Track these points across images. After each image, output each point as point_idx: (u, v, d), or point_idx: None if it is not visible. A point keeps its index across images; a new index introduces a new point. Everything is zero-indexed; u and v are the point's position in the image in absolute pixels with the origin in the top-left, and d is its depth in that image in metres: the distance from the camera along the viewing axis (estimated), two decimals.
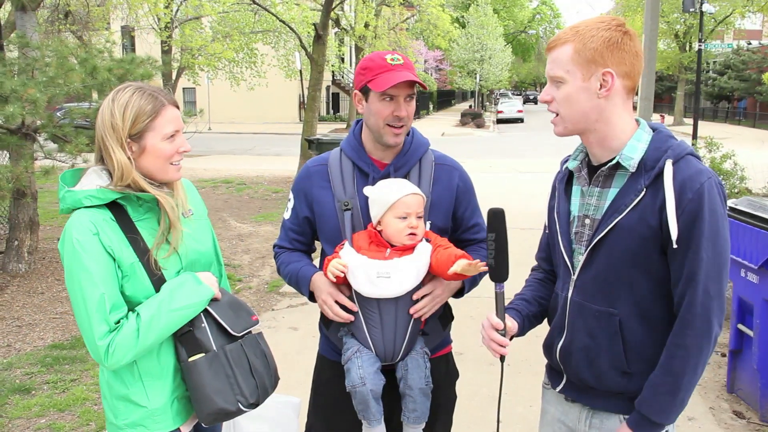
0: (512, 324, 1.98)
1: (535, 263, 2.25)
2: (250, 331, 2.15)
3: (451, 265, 2.07)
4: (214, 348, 2.03)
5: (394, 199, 2.15)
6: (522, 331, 2.06)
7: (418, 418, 2.24)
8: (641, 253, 1.78)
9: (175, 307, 1.96)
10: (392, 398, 2.27)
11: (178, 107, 2.09)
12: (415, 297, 2.18)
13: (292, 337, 5.52)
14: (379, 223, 2.20)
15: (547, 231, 2.11)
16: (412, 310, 2.18)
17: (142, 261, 1.97)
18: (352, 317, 2.20)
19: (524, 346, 2.22)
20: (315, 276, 2.30)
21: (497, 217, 1.90)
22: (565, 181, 2.01)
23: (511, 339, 1.99)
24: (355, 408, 2.21)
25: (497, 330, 1.92)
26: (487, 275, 1.98)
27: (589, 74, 1.78)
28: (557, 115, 1.86)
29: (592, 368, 1.90)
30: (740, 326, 4.30)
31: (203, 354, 2.01)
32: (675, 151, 1.78)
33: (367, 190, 2.24)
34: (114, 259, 1.93)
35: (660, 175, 1.75)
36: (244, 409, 2.04)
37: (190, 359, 2.00)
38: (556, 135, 1.94)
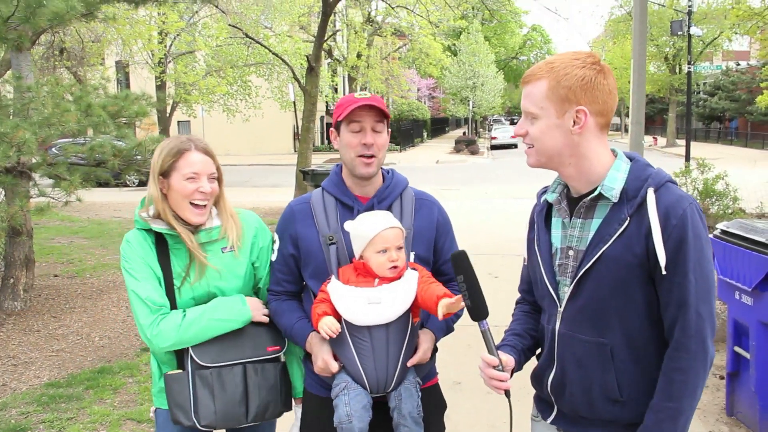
0: (508, 358, 1.98)
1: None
2: (246, 361, 2.36)
3: (434, 305, 2.11)
4: (187, 369, 2.32)
5: (372, 235, 2.20)
6: (519, 366, 2.08)
7: None
8: (628, 281, 1.80)
9: (215, 317, 2.32)
10: (385, 430, 2.28)
11: (209, 155, 2.38)
12: (409, 364, 2.24)
13: None
14: (361, 257, 2.25)
15: (526, 264, 2.12)
16: (410, 363, 2.24)
17: (164, 283, 2.32)
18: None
19: (521, 375, 2.23)
20: (311, 337, 2.33)
21: (461, 258, 1.95)
22: (544, 213, 2.02)
23: (511, 375, 1.99)
24: None
25: (494, 367, 1.92)
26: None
27: (563, 111, 1.80)
28: (532, 146, 1.89)
29: (585, 398, 1.90)
30: (737, 349, 4.30)
31: (180, 371, 2.33)
32: (655, 180, 1.81)
33: (348, 225, 2.28)
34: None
35: (643, 203, 1.78)
36: (200, 428, 2.29)
37: (168, 372, 2.35)
38: (529, 166, 1.96)
